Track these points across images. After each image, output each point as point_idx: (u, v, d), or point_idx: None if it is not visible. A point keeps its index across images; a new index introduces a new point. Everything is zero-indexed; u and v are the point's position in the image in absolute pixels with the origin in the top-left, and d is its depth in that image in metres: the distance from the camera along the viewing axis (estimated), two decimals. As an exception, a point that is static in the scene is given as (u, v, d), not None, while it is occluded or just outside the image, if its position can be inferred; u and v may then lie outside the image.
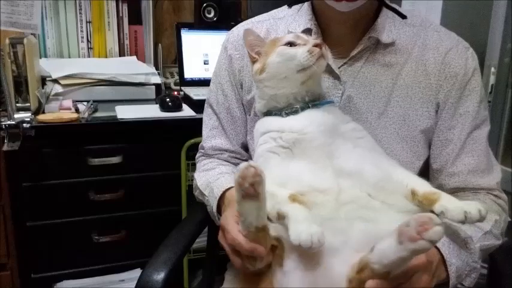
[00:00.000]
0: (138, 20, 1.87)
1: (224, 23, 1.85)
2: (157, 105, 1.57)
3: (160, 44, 1.86)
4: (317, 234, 0.61)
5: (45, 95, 1.49)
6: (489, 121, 0.91)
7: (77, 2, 1.76)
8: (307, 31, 0.89)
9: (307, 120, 0.77)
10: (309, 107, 0.80)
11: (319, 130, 0.76)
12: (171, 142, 1.50)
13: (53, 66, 1.60)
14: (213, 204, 0.90)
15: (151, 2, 1.85)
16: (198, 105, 1.52)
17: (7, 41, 1.34)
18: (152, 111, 1.53)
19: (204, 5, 1.86)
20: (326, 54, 0.78)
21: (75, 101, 1.50)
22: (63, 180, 1.44)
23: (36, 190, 1.41)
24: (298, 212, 0.65)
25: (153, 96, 1.66)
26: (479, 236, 0.78)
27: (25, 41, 1.35)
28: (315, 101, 0.81)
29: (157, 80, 1.68)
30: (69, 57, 1.79)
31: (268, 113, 0.83)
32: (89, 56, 1.81)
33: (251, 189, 0.63)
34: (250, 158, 0.98)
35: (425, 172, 0.91)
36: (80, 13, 1.77)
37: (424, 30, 0.91)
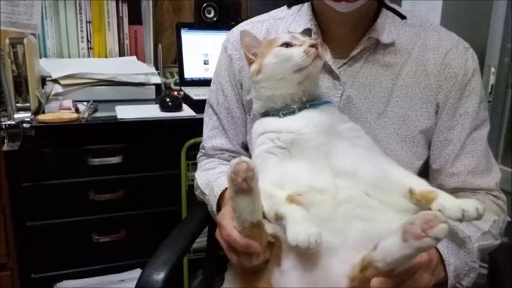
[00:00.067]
0: (138, 20, 1.87)
1: (224, 23, 1.85)
2: (157, 105, 1.57)
3: (160, 44, 1.86)
4: (314, 234, 0.61)
5: (45, 95, 1.49)
6: (489, 121, 0.91)
7: (77, 2, 1.76)
8: (308, 31, 0.89)
9: (304, 121, 0.77)
10: (306, 108, 0.80)
11: (316, 130, 0.76)
12: (171, 142, 1.50)
13: (53, 66, 1.60)
14: (213, 203, 0.91)
15: (151, 2, 1.85)
16: (198, 105, 1.52)
17: (7, 41, 1.34)
18: (152, 111, 1.53)
19: (204, 5, 1.87)
20: (322, 55, 0.78)
21: (75, 101, 1.50)
22: (63, 180, 1.44)
23: (36, 190, 1.41)
24: (296, 213, 0.66)
25: (153, 96, 1.66)
26: (478, 236, 0.78)
27: (25, 41, 1.35)
28: (312, 101, 0.81)
29: (157, 80, 1.68)
30: (69, 57, 1.79)
31: (265, 113, 0.83)
32: (89, 56, 1.81)
33: (244, 184, 0.63)
34: (250, 157, 0.98)
35: (425, 172, 0.91)
36: (80, 13, 1.77)
37: (424, 30, 0.91)
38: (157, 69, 1.80)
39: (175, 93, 1.72)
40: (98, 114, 1.48)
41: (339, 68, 0.89)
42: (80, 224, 1.48)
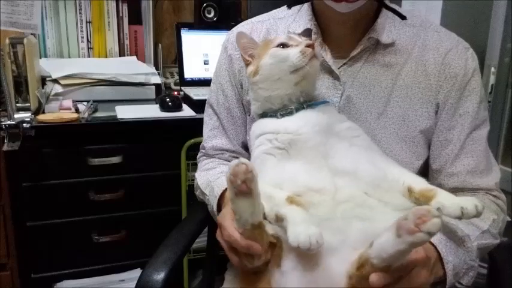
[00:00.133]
0: (138, 20, 1.87)
1: (224, 23, 1.85)
2: (157, 105, 1.57)
3: (160, 44, 1.86)
4: (315, 235, 0.61)
5: (45, 95, 1.49)
6: (489, 121, 0.91)
7: (77, 2, 1.76)
8: (308, 31, 0.89)
9: (302, 121, 0.77)
10: (303, 108, 0.80)
11: (314, 130, 0.76)
12: (171, 142, 1.50)
13: (53, 66, 1.60)
14: (213, 204, 0.91)
15: (151, 2, 1.85)
16: (198, 105, 1.52)
17: (7, 41, 1.34)
18: (152, 111, 1.53)
19: (204, 5, 1.87)
20: (318, 54, 0.78)
21: (75, 101, 1.50)
22: (63, 180, 1.44)
23: (36, 190, 1.41)
24: (296, 214, 0.66)
25: (153, 96, 1.66)
26: (477, 235, 0.78)
27: (25, 41, 1.36)
28: (309, 101, 0.81)
29: (157, 80, 1.68)
30: (69, 57, 1.79)
31: (263, 114, 0.83)
32: (89, 56, 1.81)
33: (243, 186, 0.63)
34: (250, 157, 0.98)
35: (425, 172, 0.91)
36: (80, 13, 1.77)
37: (424, 30, 0.91)
38: (157, 69, 1.81)
39: (175, 93, 1.72)
40: (98, 114, 1.48)
41: (339, 68, 0.89)
42: (80, 224, 1.48)
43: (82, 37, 1.79)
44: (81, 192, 1.45)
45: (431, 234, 0.56)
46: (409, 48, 0.89)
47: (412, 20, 0.92)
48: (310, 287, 0.66)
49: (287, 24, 0.94)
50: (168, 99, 1.55)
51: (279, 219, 0.67)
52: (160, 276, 0.80)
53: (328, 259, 0.66)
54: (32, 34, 1.46)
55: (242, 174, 0.62)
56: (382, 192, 0.72)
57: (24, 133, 1.30)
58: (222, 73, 1.00)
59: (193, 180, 1.05)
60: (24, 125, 1.30)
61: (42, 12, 1.65)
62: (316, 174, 0.73)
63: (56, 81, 1.55)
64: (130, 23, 1.85)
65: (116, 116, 1.46)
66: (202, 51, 1.84)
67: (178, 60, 1.81)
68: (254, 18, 1.01)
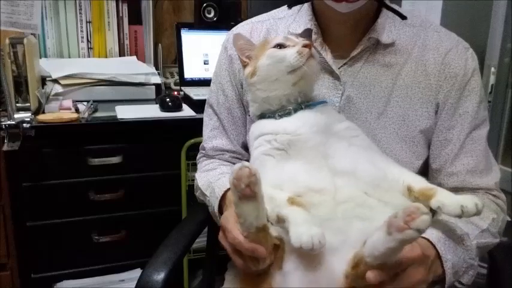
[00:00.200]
0: (138, 20, 1.87)
1: (224, 23, 1.85)
2: (157, 105, 1.57)
3: (160, 44, 1.86)
4: (317, 235, 0.61)
5: (45, 95, 1.49)
6: (488, 121, 0.91)
7: (77, 2, 1.76)
8: (308, 31, 0.89)
9: (300, 122, 0.77)
10: (301, 108, 0.80)
11: (313, 131, 0.76)
12: (171, 142, 1.50)
13: (53, 66, 1.60)
14: (214, 205, 0.90)
15: (151, 2, 1.85)
16: (198, 105, 1.52)
17: (7, 41, 1.34)
18: (152, 111, 1.53)
19: (204, 5, 1.87)
20: (316, 54, 0.79)
21: (75, 101, 1.50)
22: (63, 180, 1.44)
23: (36, 190, 1.41)
24: (298, 215, 0.66)
25: (153, 96, 1.66)
26: (476, 234, 0.78)
27: (25, 41, 1.36)
28: (307, 101, 0.81)
29: (157, 80, 1.68)
30: (69, 57, 1.79)
31: (261, 116, 0.83)
32: (89, 56, 1.81)
33: (247, 190, 0.63)
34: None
35: (424, 172, 0.91)
36: (80, 13, 1.77)
37: (424, 30, 0.91)
38: (157, 69, 1.81)
39: (175, 93, 1.72)
40: (98, 114, 1.48)
41: (339, 68, 0.89)
42: (80, 224, 1.48)
43: (82, 37, 1.80)
44: (81, 192, 1.45)
45: (420, 231, 0.56)
46: (409, 48, 0.89)
47: (412, 20, 0.92)
48: (312, 287, 0.66)
49: (287, 24, 0.94)
50: (168, 99, 1.55)
51: (281, 220, 0.67)
52: (160, 276, 0.80)
53: (330, 259, 0.66)
54: (32, 34, 1.46)
55: (246, 177, 0.62)
56: (382, 192, 0.72)
57: (24, 133, 1.30)
58: (222, 73, 1.00)
59: (193, 180, 1.05)
60: (24, 125, 1.30)
61: (42, 12, 1.65)
62: (316, 175, 0.73)
63: (56, 81, 1.55)
64: (130, 23, 1.85)
65: (115, 116, 1.46)
66: (202, 51, 1.84)
67: (178, 60, 1.81)
68: (254, 18, 1.01)
